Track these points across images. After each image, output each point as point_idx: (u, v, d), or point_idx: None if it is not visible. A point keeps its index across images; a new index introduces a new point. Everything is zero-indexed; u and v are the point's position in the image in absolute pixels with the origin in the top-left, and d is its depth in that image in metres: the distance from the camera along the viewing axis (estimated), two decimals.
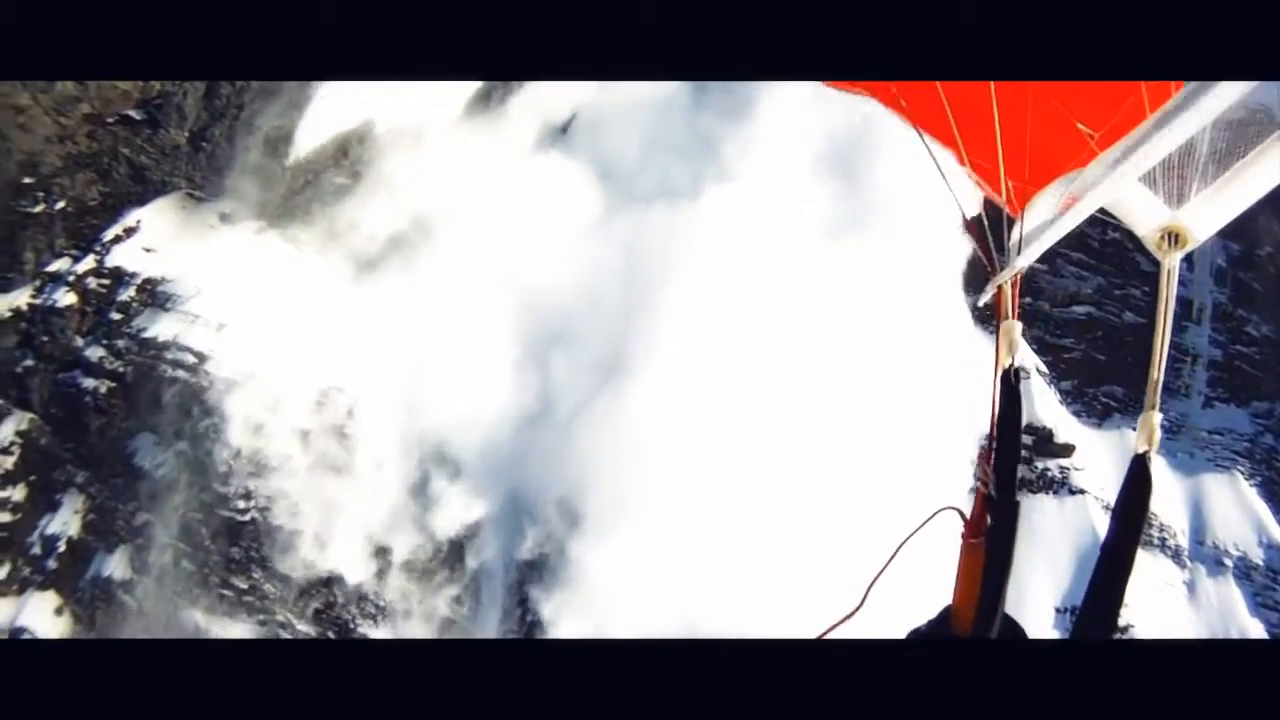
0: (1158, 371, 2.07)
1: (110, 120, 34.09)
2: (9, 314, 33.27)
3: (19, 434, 32.75)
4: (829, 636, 2.02)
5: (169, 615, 30.81)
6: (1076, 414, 37.31)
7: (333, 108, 33.51)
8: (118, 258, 33.63)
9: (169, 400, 31.67)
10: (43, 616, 31.11)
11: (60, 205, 33.94)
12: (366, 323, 32.48)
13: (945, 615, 2.25)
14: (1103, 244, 38.36)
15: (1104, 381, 37.94)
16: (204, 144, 34.40)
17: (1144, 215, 2.16)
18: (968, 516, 2.23)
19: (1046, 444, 34.98)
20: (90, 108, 33.68)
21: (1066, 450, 35.18)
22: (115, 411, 32.47)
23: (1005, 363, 2.38)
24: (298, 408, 31.66)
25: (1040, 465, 34.65)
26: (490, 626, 31.22)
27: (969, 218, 2.76)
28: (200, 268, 33.10)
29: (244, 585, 31.32)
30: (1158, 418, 2.04)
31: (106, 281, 33.46)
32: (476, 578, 31.99)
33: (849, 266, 31.55)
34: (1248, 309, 39.76)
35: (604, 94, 35.57)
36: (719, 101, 35.51)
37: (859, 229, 32.57)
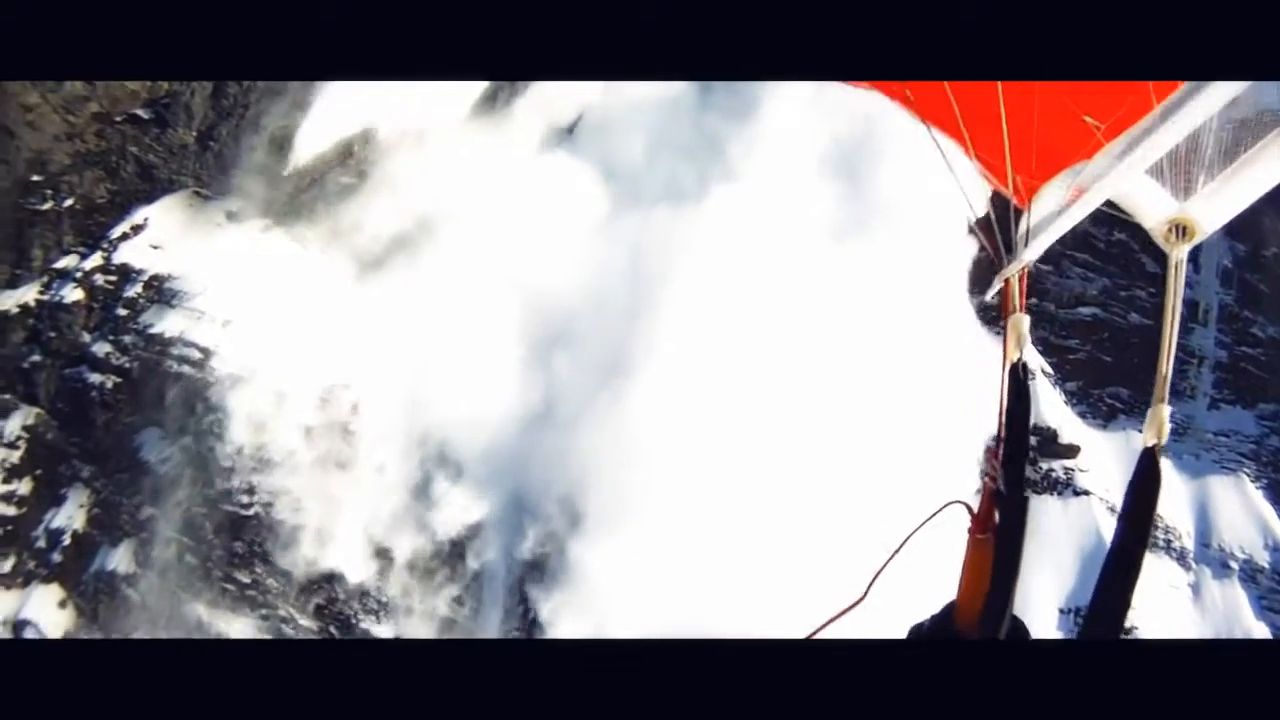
0: (1166, 365, 2.05)
1: (118, 119, 34.22)
2: (17, 310, 33.43)
3: (25, 428, 32.90)
4: (830, 627, 2.01)
5: (172, 609, 30.92)
6: (1081, 415, 37.16)
7: (339, 108, 33.59)
8: (125, 255, 33.76)
9: (174, 396, 31.79)
10: (47, 609, 31.24)
11: (68, 203, 34.09)
12: (370, 321, 32.55)
13: (949, 611, 2.23)
14: (1108, 245, 38.20)
15: (1109, 383, 37.78)
16: (211, 143, 34.50)
17: (1151, 207, 2.16)
18: (975, 511, 2.22)
19: (1051, 445, 34.88)
20: (99, 107, 33.81)
21: (1071, 451, 35.06)
22: (121, 406, 32.59)
23: (1013, 357, 2.37)
24: (301, 404, 31.75)
25: (1045, 466, 34.54)
26: (491, 626, 31.23)
27: (976, 211, 2.75)
28: (206, 265, 33.23)
29: (246, 580, 31.41)
30: (1167, 411, 2.02)
31: (113, 278, 33.60)
32: (478, 578, 32.01)
33: (854, 267, 31.50)
34: (1254, 310, 39.54)
35: (610, 95, 35.56)
36: (724, 102, 35.48)
37: (864, 230, 32.53)
